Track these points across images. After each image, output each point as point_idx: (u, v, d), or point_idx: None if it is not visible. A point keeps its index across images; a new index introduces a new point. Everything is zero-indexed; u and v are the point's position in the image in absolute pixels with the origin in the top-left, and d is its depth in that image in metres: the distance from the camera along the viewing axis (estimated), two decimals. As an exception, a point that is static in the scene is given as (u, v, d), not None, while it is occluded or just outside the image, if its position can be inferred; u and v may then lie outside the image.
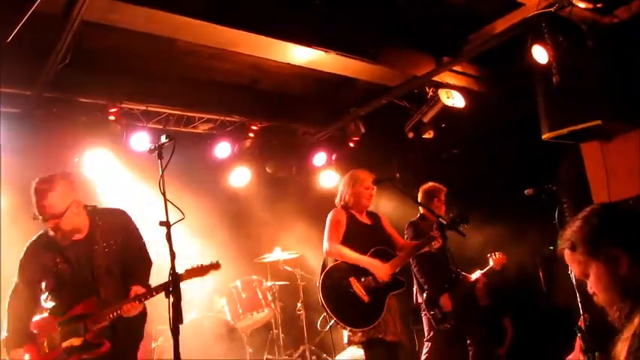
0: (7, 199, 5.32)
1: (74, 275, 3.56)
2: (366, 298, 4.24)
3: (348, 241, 4.41)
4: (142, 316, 3.76)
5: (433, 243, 4.47)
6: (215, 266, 3.85)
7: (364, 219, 4.64)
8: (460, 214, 4.45)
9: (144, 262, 3.85)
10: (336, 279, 4.33)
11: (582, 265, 1.85)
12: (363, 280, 4.30)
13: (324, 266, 4.44)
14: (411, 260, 4.98)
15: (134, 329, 3.73)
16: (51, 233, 3.58)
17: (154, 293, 3.50)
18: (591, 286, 1.85)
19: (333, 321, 4.25)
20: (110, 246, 3.66)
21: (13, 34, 2.91)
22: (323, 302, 4.26)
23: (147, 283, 3.69)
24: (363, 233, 4.51)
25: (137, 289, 3.53)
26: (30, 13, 2.82)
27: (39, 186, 3.48)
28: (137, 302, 3.48)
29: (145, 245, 3.88)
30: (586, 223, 1.85)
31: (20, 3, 2.84)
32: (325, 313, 4.31)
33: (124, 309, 3.45)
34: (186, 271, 3.62)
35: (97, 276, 3.55)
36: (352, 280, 4.29)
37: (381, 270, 4.31)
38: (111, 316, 3.44)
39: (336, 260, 4.40)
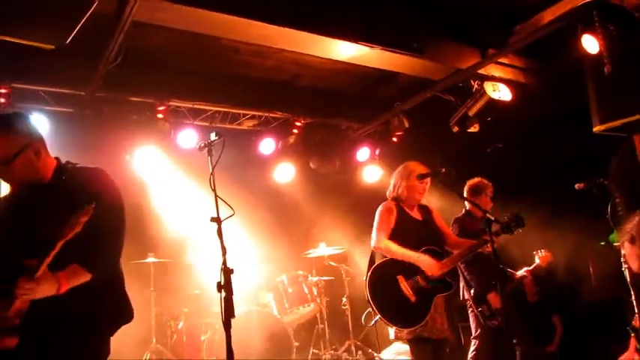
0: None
1: (9, 241, 2.66)
2: (413, 298, 4.18)
3: (397, 236, 4.33)
4: (81, 310, 2.60)
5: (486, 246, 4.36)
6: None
7: (415, 214, 4.54)
8: (516, 217, 4.23)
9: (101, 238, 2.63)
10: (384, 276, 4.28)
11: None
12: (410, 279, 4.24)
13: (371, 261, 4.40)
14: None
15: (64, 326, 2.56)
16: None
17: (45, 261, 2.42)
18: None
19: (378, 317, 4.24)
20: (68, 210, 2.50)
21: (71, 37, 3.03)
22: (370, 299, 4.23)
23: (95, 266, 2.60)
24: (413, 229, 4.41)
25: (30, 262, 2.44)
26: (87, 16, 2.92)
27: None
28: (28, 280, 2.40)
29: (117, 217, 2.75)
30: None
31: (74, 6, 2.97)
32: (370, 309, 4.30)
33: (17, 292, 2.40)
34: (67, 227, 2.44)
35: (36, 247, 2.47)
36: (400, 278, 4.24)
37: (431, 266, 4.21)
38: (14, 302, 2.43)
39: (385, 256, 4.35)
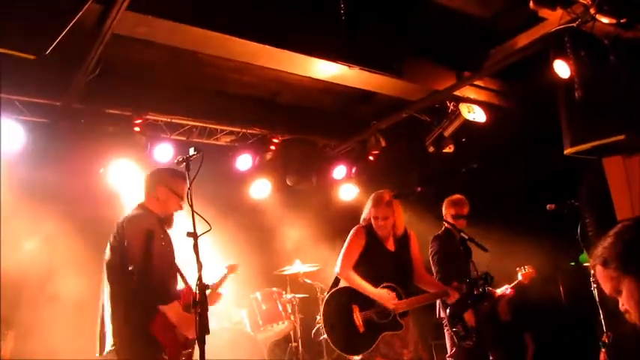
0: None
1: (173, 262, 3.74)
2: (361, 329, 4.23)
3: (363, 263, 4.38)
4: None
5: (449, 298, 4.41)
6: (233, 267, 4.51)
7: (389, 244, 4.50)
8: (486, 275, 4.26)
9: None
10: (340, 301, 4.34)
11: (614, 281, 1.81)
12: (364, 311, 4.29)
13: (335, 282, 4.48)
14: (436, 272, 4.98)
15: None
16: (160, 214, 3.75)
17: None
18: (623, 302, 1.80)
19: (324, 336, 4.35)
20: None
21: (52, 47, 3.01)
22: (322, 317, 4.33)
23: None
24: (381, 259, 4.42)
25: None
26: (69, 27, 2.91)
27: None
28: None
29: None
30: (618, 238, 1.81)
31: (56, 16, 2.95)
32: (319, 326, 4.36)
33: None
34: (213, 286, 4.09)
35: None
36: (355, 307, 4.30)
37: (387, 300, 4.25)
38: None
39: None
